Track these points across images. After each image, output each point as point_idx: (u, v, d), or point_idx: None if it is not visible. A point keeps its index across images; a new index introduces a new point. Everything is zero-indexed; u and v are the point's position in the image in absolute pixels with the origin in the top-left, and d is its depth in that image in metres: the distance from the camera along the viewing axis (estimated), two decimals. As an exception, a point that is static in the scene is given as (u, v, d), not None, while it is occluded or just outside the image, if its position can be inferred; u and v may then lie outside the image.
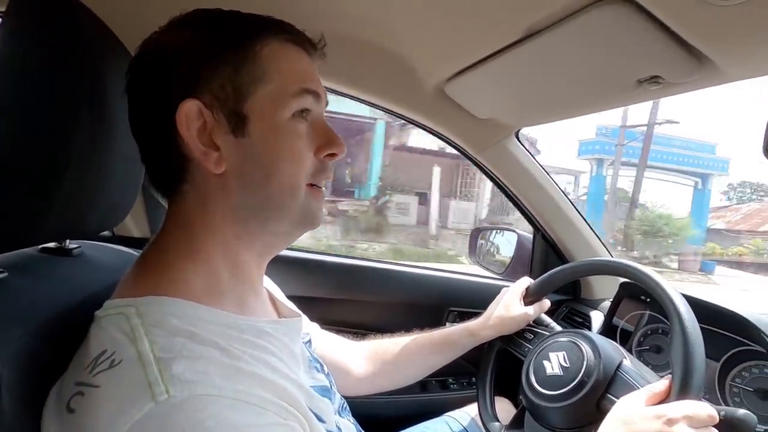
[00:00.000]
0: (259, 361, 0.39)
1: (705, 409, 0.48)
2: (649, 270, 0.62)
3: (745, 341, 0.70)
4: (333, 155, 0.47)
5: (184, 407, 0.32)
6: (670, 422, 0.47)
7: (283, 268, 1.00)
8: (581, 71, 0.66)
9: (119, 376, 0.34)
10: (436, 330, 0.80)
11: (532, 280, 0.80)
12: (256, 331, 0.42)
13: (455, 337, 0.78)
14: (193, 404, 0.33)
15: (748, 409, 0.49)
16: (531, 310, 0.76)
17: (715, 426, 0.48)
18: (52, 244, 0.56)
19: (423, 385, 1.09)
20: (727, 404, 0.69)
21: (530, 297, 0.78)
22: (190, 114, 0.40)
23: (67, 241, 0.57)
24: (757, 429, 0.49)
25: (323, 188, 0.48)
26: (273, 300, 0.57)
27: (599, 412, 0.57)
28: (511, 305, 0.77)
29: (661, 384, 0.53)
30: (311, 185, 0.46)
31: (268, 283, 0.61)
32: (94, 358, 0.36)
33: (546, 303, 0.79)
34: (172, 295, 0.39)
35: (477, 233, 1.35)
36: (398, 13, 0.66)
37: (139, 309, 0.38)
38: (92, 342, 0.38)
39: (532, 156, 1.04)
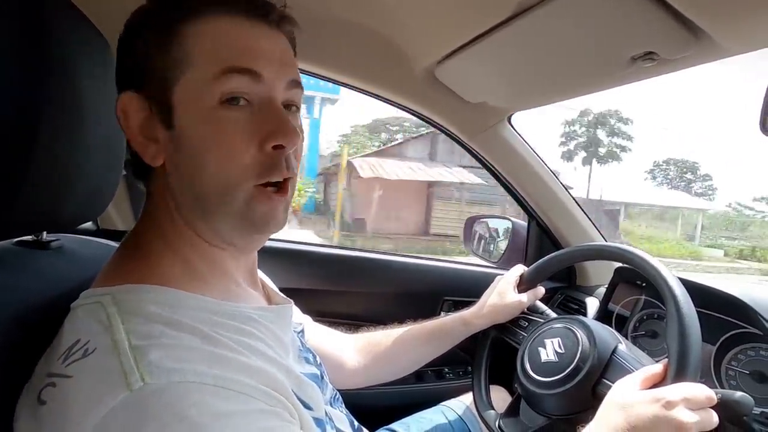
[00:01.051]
0: (244, 346, 0.38)
1: (703, 391, 0.47)
2: (645, 254, 0.61)
3: (741, 324, 0.70)
4: (280, 147, 0.39)
5: (162, 395, 0.31)
6: (669, 405, 0.46)
7: (274, 259, 0.98)
8: (573, 49, 0.64)
9: (93, 365, 0.32)
10: (430, 320, 0.79)
11: (526, 268, 0.79)
12: (242, 317, 0.41)
13: (449, 326, 0.77)
14: (173, 392, 0.31)
15: (745, 392, 0.48)
16: (525, 298, 0.76)
17: (713, 408, 0.48)
18: (28, 238, 0.54)
19: (418, 375, 1.08)
20: (723, 387, 0.69)
21: (524, 284, 0.77)
22: (129, 107, 0.40)
23: (44, 233, 0.55)
24: (753, 411, 0.48)
25: (283, 187, 0.41)
26: (265, 288, 0.55)
27: (595, 398, 0.56)
28: (505, 293, 0.76)
29: (657, 367, 0.52)
30: (261, 185, 0.40)
31: (260, 273, 0.60)
32: (67, 348, 0.34)
33: (540, 290, 0.78)
34: (152, 283, 0.38)
35: (471, 222, 1.34)
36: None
37: (115, 297, 0.36)
38: (66, 332, 0.36)
39: (526, 142, 1.03)
